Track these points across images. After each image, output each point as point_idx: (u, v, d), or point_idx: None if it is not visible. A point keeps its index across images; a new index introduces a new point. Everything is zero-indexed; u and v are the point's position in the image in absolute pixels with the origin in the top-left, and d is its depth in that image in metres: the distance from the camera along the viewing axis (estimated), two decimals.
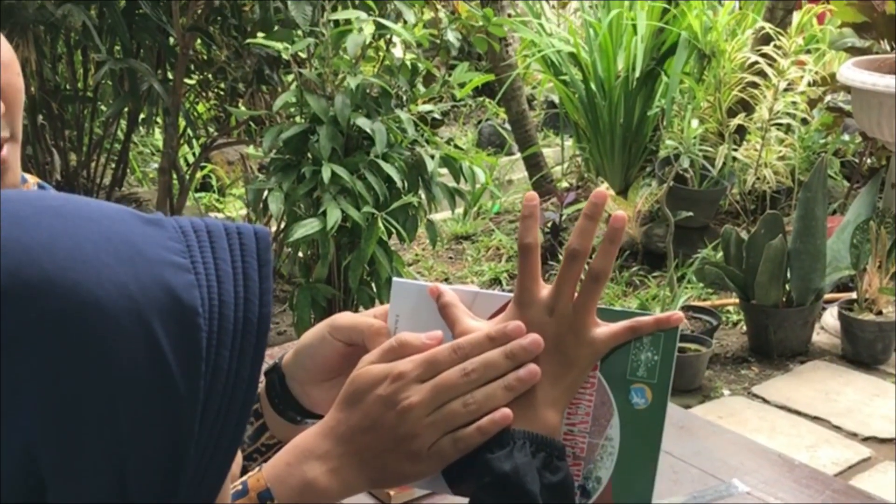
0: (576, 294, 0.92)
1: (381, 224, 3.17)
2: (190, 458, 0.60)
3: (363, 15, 3.29)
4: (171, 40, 3.80)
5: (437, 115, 3.67)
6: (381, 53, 3.70)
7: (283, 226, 3.45)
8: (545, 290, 0.93)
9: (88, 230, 0.59)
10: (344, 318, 1.01)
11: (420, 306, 0.96)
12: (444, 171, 3.49)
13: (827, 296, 4.26)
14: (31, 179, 1.41)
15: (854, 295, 4.14)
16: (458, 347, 0.90)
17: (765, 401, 3.79)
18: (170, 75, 3.92)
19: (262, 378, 1.04)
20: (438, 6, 4.10)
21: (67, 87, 4.17)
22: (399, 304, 0.98)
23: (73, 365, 0.56)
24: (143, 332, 0.58)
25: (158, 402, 0.58)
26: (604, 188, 4.94)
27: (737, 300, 4.28)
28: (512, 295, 0.95)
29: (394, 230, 3.26)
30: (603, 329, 0.92)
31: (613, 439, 0.93)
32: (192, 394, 0.59)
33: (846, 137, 5.49)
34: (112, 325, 0.57)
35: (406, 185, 3.32)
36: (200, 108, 4.54)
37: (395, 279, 1.00)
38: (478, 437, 0.88)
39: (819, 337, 4.24)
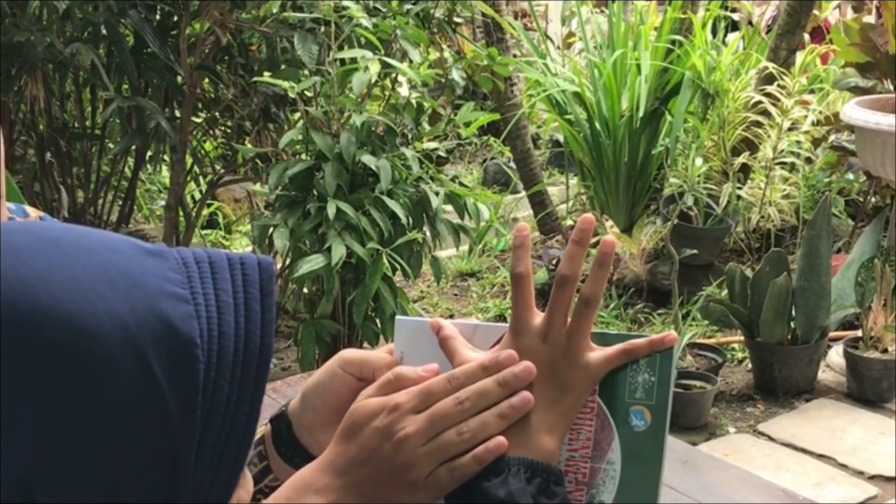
0: (569, 320, 0.93)
1: (385, 260, 3.19)
2: (186, 486, 0.60)
3: (369, 54, 3.32)
4: (179, 79, 3.83)
5: (442, 153, 3.69)
6: (386, 92, 3.73)
7: (288, 262, 3.47)
8: (539, 317, 0.94)
9: (86, 261, 0.60)
10: (353, 352, 1.01)
11: (423, 342, 0.97)
12: (449, 208, 3.51)
13: (832, 334, 4.25)
14: (34, 213, 1.42)
15: (859, 333, 4.14)
16: (453, 378, 0.91)
17: (770, 438, 3.78)
18: (177, 113, 3.95)
19: (268, 425, 1.03)
20: (444, 46, 4.14)
21: (76, 124, 4.21)
22: (402, 341, 0.98)
23: (67, 395, 0.56)
24: (137, 362, 0.58)
25: (153, 432, 0.58)
26: (608, 226, 4.96)
27: (742, 338, 4.27)
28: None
29: (398, 266, 3.28)
30: (597, 353, 0.93)
31: (615, 462, 0.93)
32: (187, 423, 0.59)
33: (850, 176, 5.51)
34: (106, 355, 0.57)
35: (411, 221, 3.34)
36: (208, 146, 4.57)
37: (397, 317, 1.01)
38: (474, 465, 0.89)
39: (824, 375, 4.24)
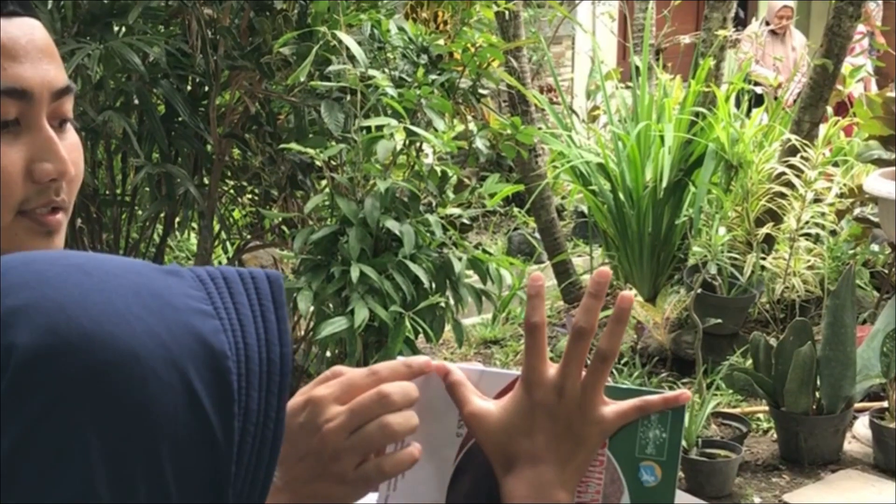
0: (583, 373, 0.92)
1: (408, 323, 3.21)
2: (228, 496, 0.62)
3: (394, 122, 3.38)
4: (209, 147, 3.90)
5: (465, 221, 3.73)
6: (411, 160, 3.78)
7: (311, 324, 3.50)
8: (552, 369, 0.92)
9: (116, 285, 0.62)
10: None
11: (426, 385, 0.95)
12: (473, 274, 3.53)
13: (858, 405, 4.22)
14: None
15: (885, 404, 4.10)
16: (374, 372, 0.92)
17: None
18: (206, 180, 4.02)
19: None
20: (469, 117, 4.20)
21: (106, 191, 4.27)
22: None
23: (119, 415, 0.58)
24: (179, 379, 0.60)
25: (198, 447, 0.60)
26: (632, 294, 4.97)
27: (766, 407, 4.25)
28: (518, 373, 0.94)
29: (421, 329, 3.29)
30: (611, 408, 0.92)
31: None
32: (227, 436, 0.61)
33: (875, 248, 5.50)
34: (150, 374, 0.59)
35: (433, 285, 3.37)
36: (236, 214, 4.63)
37: (399, 358, 0.99)
38: (404, 464, 0.91)
39: (851, 445, 4.20)
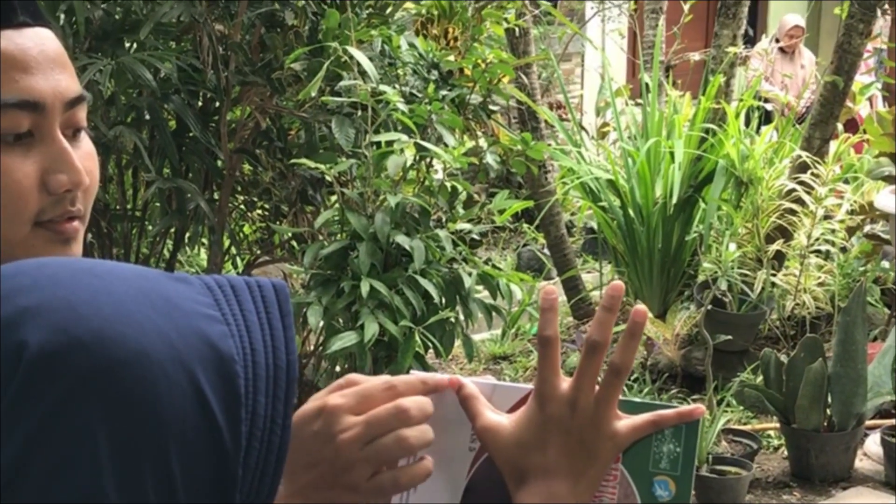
0: (596, 387, 0.92)
1: (418, 338, 3.20)
2: (235, 499, 0.63)
3: (404, 137, 3.38)
4: (219, 162, 3.91)
5: (475, 236, 3.73)
6: (421, 175, 3.79)
7: (321, 339, 3.49)
8: (566, 382, 0.92)
9: (125, 287, 0.63)
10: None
11: (439, 399, 0.95)
12: (484, 290, 3.53)
13: (869, 422, 4.20)
14: None
15: None
16: (391, 385, 0.91)
17: None
18: (216, 195, 4.02)
19: None
20: (479, 133, 4.21)
21: (117, 206, 4.28)
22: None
23: (128, 413, 0.58)
24: (188, 380, 0.60)
25: (206, 448, 0.61)
26: (645, 308, 4.96)
27: (777, 424, 4.23)
28: (531, 387, 0.94)
29: (431, 344, 3.29)
30: (625, 422, 0.92)
31: None
32: (235, 439, 0.62)
33: (886, 265, 5.49)
34: (160, 373, 0.59)
35: (443, 300, 3.36)
36: (246, 229, 4.64)
37: (412, 372, 0.99)
38: (419, 477, 0.91)
39: (862, 463, 4.17)
